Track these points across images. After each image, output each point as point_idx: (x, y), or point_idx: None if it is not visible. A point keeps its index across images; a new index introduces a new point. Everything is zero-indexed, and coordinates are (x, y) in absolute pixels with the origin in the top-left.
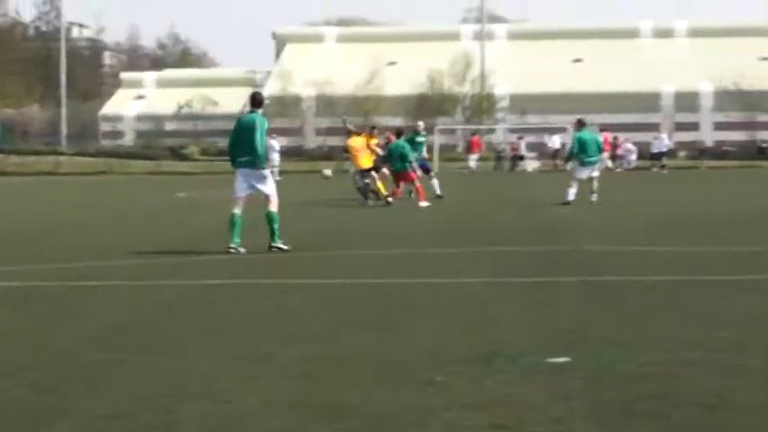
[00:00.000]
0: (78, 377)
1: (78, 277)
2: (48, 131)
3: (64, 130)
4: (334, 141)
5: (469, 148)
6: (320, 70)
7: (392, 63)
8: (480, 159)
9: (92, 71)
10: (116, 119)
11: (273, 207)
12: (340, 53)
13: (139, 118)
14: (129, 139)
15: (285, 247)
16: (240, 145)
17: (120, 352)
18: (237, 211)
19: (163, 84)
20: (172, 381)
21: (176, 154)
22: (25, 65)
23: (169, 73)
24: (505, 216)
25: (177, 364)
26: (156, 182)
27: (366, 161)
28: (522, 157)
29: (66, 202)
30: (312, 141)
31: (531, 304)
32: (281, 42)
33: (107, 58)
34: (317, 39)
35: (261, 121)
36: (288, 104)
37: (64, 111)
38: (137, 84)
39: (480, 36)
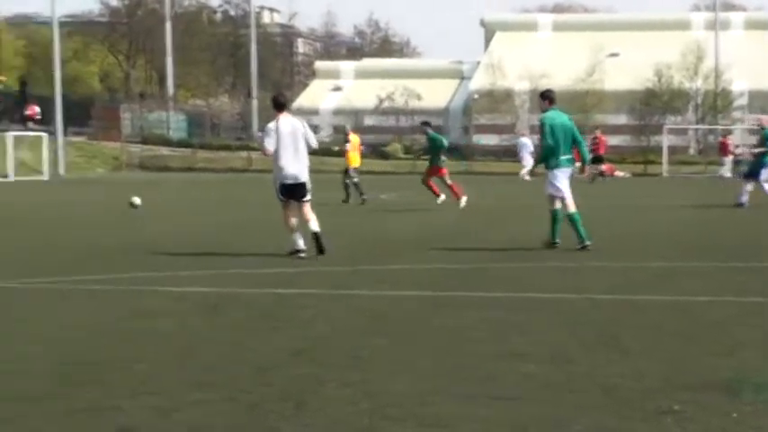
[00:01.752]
0: (280, 394)
1: (275, 284)
2: (237, 125)
3: (255, 123)
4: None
5: (722, 151)
6: (534, 62)
7: (614, 54)
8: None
9: (284, 60)
10: (311, 112)
11: (573, 208)
12: (556, 43)
13: (336, 111)
14: (325, 135)
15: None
16: (563, 145)
17: (323, 367)
18: (559, 206)
19: (361, 74)
20: (376, 401)
21: (377, 152)
22: (213, 53)
23: (368, 63)
24: (747, 229)
25: (382, 383)
26: None
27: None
28: None
29: (256, 201)
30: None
31: None
32: (490, 31)
33: (300, 46)
34: (531, 27)
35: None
36: (498, 99)
37: (255, 103)
38: (333, 74)
39: (714, 25)
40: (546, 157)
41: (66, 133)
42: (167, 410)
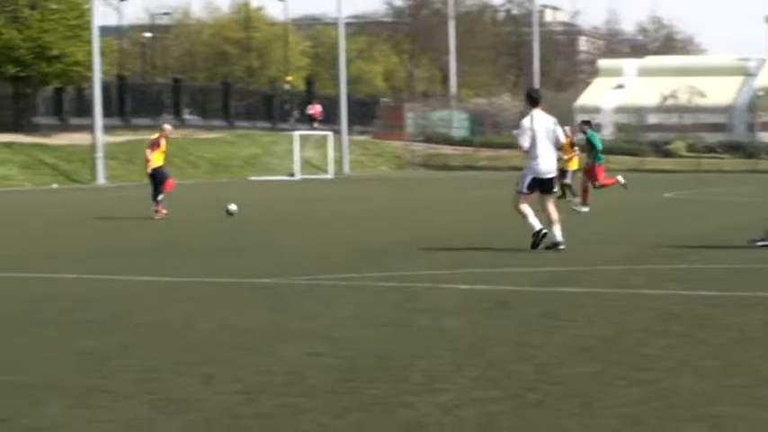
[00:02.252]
0: (566, 391)
1: (553, 282)
2: (518, 124)
3: None
4: None
5: None
6: None
7: None
8: None
9: (566, 58)
10: (593, 110)
11: None
12: None
13: (618, 110)
14: (607, 133)
15: None
16: None
17: (609, 365)
18: None
19: (644, 72)
20: (665, 401)
21: (660, 150)
22: (495, 52)
23: (651, 60)
24: None
25: (670, 382)
26: (638, 180)
27: None
28: None
29: None
30: None
31: None
32: None
33: (583, 44)
34: None
35: None
36: None
37: None
38: (615, 72)
39: None
40: None
41: (350, 132)
42: (452, 407)
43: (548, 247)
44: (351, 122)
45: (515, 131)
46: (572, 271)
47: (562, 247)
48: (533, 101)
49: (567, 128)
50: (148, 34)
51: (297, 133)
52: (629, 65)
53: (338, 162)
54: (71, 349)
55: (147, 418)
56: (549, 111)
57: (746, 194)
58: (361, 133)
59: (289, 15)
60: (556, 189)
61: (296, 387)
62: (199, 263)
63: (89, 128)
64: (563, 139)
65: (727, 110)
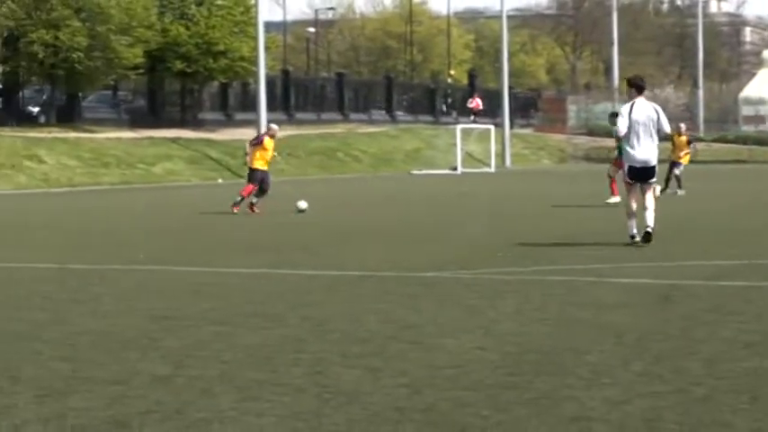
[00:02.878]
0: (732, 387)
1: (717, 276)
2: (683, 115)
3: (701, 113)
4: None
5: None
6: None
7: None
8: None
9: (731, 49)
10: (757, 102)
11: None
12: None
13: None
14: None
15: None
16: None
17: None
18: None
19: None
20: None
21: None
22: (659, 43)
23: None
24: None
25: None
26: None
27: None
28: None
29: (703, 191)
30: None
31: None
32: None
33: (748, 35)
34: None
35: None
36: None
37: (701, 93)
38: None
39: None
40: None
41: (512, 125)
42: (619, 402)
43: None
44: (513, 115)
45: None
46: (735, 265)
47: (637, 239)
48: (638, 87)
49: (682, 125)
50: (312, 29)
51: (459, 127)
52: None
53: (500, 155)
54: (240, 343)
55: (315, 411)
56: (714, 101)
57: None
58: (523, 126)
59: (451, 9)
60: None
61: (460, 381)
62: (366, 256)
63: (254, 123)
64: (667, 129)
65: None
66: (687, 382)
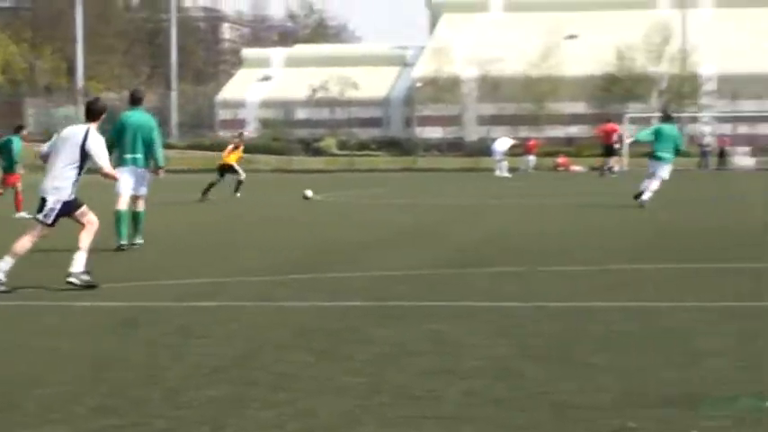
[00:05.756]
0: (197, 417)
1: (193, 296)
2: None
3: (174, 118)
4: (500, 132)
5: None
6: (484, 46)
7: (572, 36)
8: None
9: (207, 47)
10: (237, 105)
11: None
12: (508, 24)
13: (265, 104)
14: (252, 130)
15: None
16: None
17: (245, 387)
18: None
19: (293, 63)
20: (302, 423)
21: (310, 148)
22: (128, 40)
23: (301, 50)
24: (715, 224)
25: (309, 403)
26: (285, 181)
27: None
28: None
29: (171, 202)
30: (473, 132)
31: (746, 334)
32: (436, 12)
33: (226, 32)
34: (481, 7)
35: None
36: (444, 87)
37: (174, 95)
38: (262, 62)
39: (681, 3)
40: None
41: None
42: None
43: None
44: None
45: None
46: (208, 283)
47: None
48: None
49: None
50: None
51: None
52: (277, 54)
53: None
54: None
55: None
56: (189, 104)
57: (404, 196)
58: None
59: None
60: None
61: None
62: None
63: None
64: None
65: (382, 103)
66: (147, 414)
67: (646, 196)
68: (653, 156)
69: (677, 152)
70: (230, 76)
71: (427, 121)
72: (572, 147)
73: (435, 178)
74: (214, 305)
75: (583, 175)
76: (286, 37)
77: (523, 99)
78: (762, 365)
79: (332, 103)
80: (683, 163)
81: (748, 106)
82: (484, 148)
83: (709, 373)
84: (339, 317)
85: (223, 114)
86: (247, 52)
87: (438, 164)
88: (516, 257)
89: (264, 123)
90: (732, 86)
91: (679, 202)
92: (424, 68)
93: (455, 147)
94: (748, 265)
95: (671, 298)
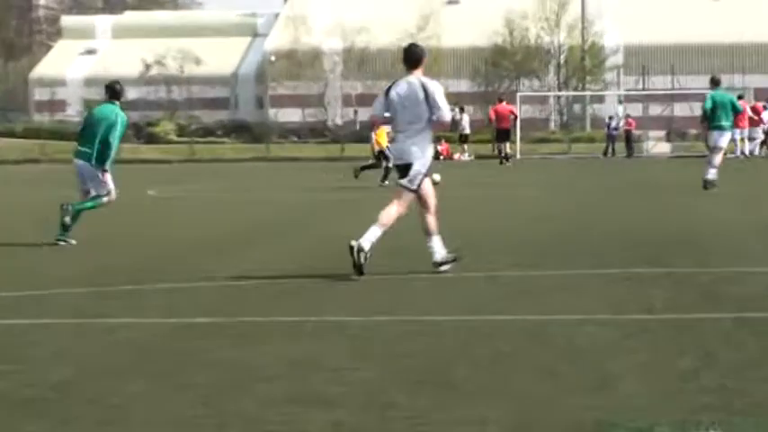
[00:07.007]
0: None
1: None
2: None
3: None
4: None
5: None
6: (349, 13)
7: (453, 2)
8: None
9: (20, 15)
10: (56, 83)
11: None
12: None
13: (89, 82)
14: (74, 112)
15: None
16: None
17: (61, 422)
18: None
19: (122, 33)
20: None
21: (142, 133)
22: None
23: (131, 17)
24: (627, 223)
25: None
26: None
27: None
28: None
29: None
30: (338, 115)
31: (663, 352)
32: None
33: None
34: None
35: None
36: (302, 62)
37: None
38: (85, 33)
39: None
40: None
41: None
42: None
43: None
44: None
45: None
46: (17, 297)
47: None
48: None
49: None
50: None
51: None
52: (102, 23)
53: None
54: None
55: None
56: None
57: (254, 189)
58: None
59: None
60: None
61: None
62: None
63: None
64: None
65: (229, 81)
66: None
67: (711, 176)
68: (712, 127)
69: (735, 113)
70: (47, 48)
71: (283, 101)
72: (454, 131)
73: (292, 169)
74: (25, 323)
75: (470, 164)
76: (113, 4)
77: (395, 75)
78: (686, 390)
79: (169, 81)
80: (588, 149)
81: (660, 83)
82: (350, 134)
83: (620, 398)
84: (179, 336)
85: (39, 94)
86: (67, 20)
87: (296, 152)
88: (390, 260)
89: (89, 105)
90: (642, 59)
91: (584, 194)
92: (278, 39)
93: (316, 132)
94: (680, 270)
95: (573, 309)
